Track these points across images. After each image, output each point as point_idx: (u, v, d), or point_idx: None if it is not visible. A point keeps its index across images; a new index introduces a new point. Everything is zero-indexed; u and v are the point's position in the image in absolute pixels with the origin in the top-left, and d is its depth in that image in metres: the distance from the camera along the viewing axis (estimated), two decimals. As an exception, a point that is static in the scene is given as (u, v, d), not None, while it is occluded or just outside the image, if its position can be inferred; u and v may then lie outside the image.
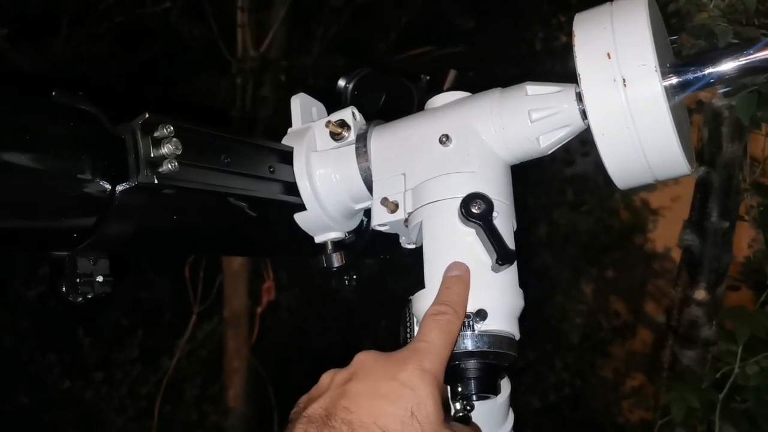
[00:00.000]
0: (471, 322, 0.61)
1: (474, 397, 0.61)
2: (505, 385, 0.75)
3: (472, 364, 0.61)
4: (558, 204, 3.18)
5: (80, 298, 0.60)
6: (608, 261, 3.68)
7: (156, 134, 0.58)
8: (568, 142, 0.70)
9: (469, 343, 0.61)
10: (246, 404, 2.57)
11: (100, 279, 0.60)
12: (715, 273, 1.36)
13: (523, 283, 0.65)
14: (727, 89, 1.01)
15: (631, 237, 3.71)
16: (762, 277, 1.31)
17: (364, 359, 0.55)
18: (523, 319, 0.65)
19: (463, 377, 0.61)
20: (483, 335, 0.61)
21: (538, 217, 3.12)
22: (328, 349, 2.63)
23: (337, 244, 0.79)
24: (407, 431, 0.52)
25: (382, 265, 0.99)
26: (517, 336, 0.63)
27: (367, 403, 0.52)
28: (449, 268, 0.62)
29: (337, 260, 0.77)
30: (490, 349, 0.61)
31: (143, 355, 2.57)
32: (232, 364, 2.55)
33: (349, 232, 0.81)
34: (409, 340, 0.70)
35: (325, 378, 0.57)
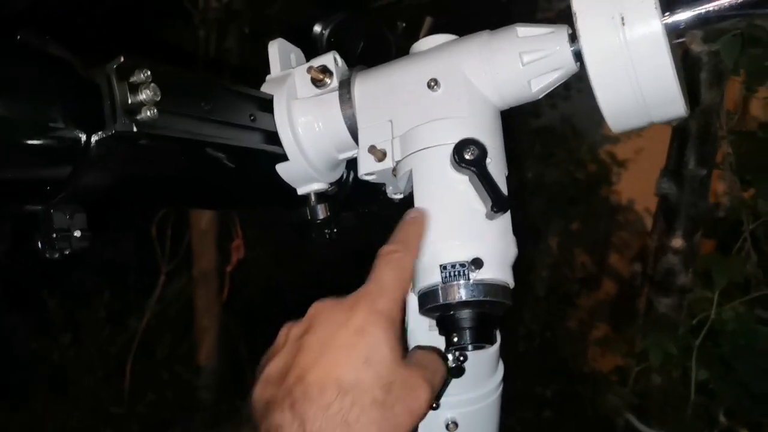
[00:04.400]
0: (466, 271, 0.59)
1: (470, 347, 0.60)
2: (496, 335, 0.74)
3: (467, 314, 0.60)
4: (526, 156, 3.18)
5: (57, 254, 0.57)
6: (574, 213, 3.71)
7: (132, 79, 0.55)
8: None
9: (464, 293, 0.59)
10: (218, 362, 2.55)
11: (77, 234, 0.57)
12: (691, 220, 1.37)
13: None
14: (707, 32, 1.00)
15: (597, 189, 3.74)
16: (735, 224, 1.32)
17: (319, 308, 0.54)
18: (516, 268, 0.64)
19: (458, 327, 0.60)
20: (478, 284, 0.59)
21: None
22: (300, 305, 2.61)
23: (320, 196, 0.77)
24: (362, 378, 0.51)
25: (360, 218, 0.98)
26: (512, 284, 0.62)
27: (322, 356, 0.51)
28: (406, 213, 0.62)
29: (321, 212, 0.75)
30: (485, 299, 0.59)
31: (111, 316, 2.53)
32: (203, 323, 2.52)
33: (331, 184, 0.79)
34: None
35: (282, 333, 0.56)
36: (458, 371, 0.65)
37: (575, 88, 3.00)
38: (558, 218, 3.58)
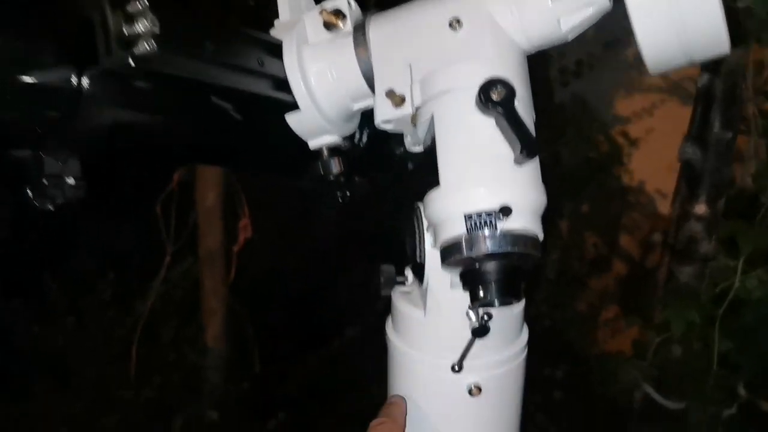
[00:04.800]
0: (493, 221, 0.54)
1: (496, 303, 0.56)
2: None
3: (494, 266, 0.55)
4: (540, 135, 3.11)
5: (49, 204, 0.53)
6: (585, 194, 3.65)
7: (128, 8, 0.50)
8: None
9: (490, 244, 0.54)
10: (225, 344, 2.51)
11: (71, 181, 0.53)
12: (715, 186, 1.32)
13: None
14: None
15: (609, 169, 3.68)
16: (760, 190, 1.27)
17: None
18: (546, 221, 0.59)
19: (484, 281, 0.55)
20: (506, 234, 0.54)
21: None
22: (309, 287, 2.57)
23: (333, 150, 0.72)
24: None
25: (373, 184, 0.93)
26: (541, 236, 0.57)
27: None
28: (387, 400, 0.67)
29: (335, 166, 0.70)
30: (514, 250, 0.54)
31: (115, 299, 2.49)
32: (210, 304, 2.48)
33: (344, 138, 0.74)
34: (418, 247, 0.64)
35: None
36: (482, 331, 0.61)
37: (587, 64, 2.95)
38: (568, 200, 3.52)
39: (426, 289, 0.65)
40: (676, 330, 1.24)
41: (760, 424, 1.30)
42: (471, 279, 0.56)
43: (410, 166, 0.90)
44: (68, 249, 2.43)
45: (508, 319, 0.66)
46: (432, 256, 0.62)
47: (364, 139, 0.82)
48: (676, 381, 1.32)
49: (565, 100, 3.11)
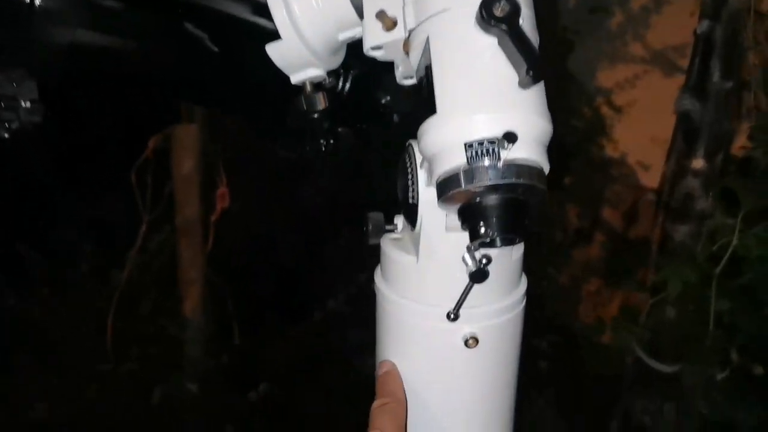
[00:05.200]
0: (496, 149, 0.50)
1: (498, 241, 0.51)
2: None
3: (496, 199, 0.51)
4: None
5: (5, 132, 0.47)
6: (570, 166, 3.63)
7: None
8: None
9: (493, 175, 0.50)
10: (204, 316, 2.45)
11: (26, 104, 0.47)
12: (714, 139, 1.27)
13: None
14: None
15: (594, 140, 3.65)
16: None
17: None
18: (551, 149, 0.55)
19: (485, 215, 0.51)
20: (510, 165, 0.50)
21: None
22: (290, 258, 2.52)
23: (317, 86, 0.67)
24: None
25: (359, 136, 0.88)
26: (547, 168, 0.53)
27: None
28: (378, 368, 0.64)
29: (320, 102, 0.65)
30: (519, 181, 0.50)
31: (92, 269, 2.42)
32: (188, 275, 2.42)
33: (329, 74, 0.69)
34: (411, 187, 0.59)
35: None
36: (481, 275, 0.56)
37: (572, 30, 2.90)
38: (554, 172, 3.47)
39: (419, 233, 0.60)
40: (672, 290, 1.20)
41: (754, 387, 1.27)
42: (471, 214, 0.52)
43: (396, 118, 0.85)
44: (43, 218, 2.36)
45: (508, 265, 0.61)
46: (426, 195, 0.58)
47: (347, 86, 0.77)
48: (670, 345, 1.29)
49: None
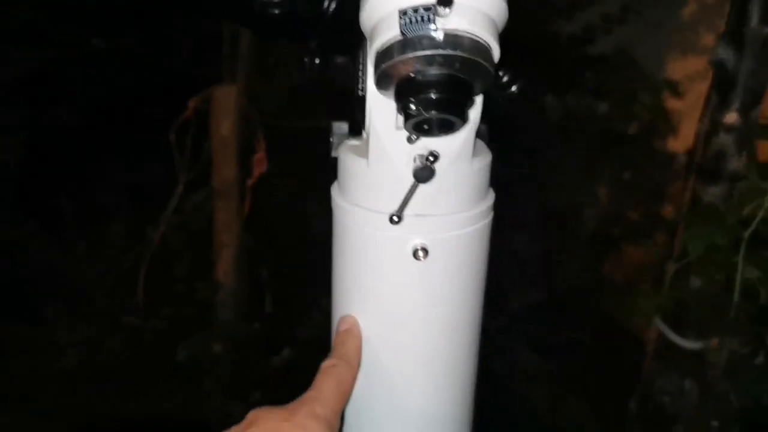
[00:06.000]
0: (431, 16, 0.44)
1: (434, 123, 0.46)
2: (483, 150, 0.60)
3: (431, 74, 0.45)
4: (574, 87, 2.96)
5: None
6: (624, 156, 3.49)
7: None
8: None
9: (427, 44, 0.45)
10: (236, 281, 2.45)
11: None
12: (750, 92, 1.17)
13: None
14: None
15: (654, 131, 3.50)
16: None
17: (258, 412, 0.55)
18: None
19: (418, 91, 0.46)
20: (448, 34, 0.45)
21: (550, 103, 2.91)
22: (325, 228, 2.50)
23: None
24: None
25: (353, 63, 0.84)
26: (497, 52, 0.47)
27: None
28: (339, 323, 0.61)
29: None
30: (455, 53, 0.44)
31: (128, 227, 2.46)
32: (222, 239, 2.42)
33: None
34: (361, 78, 0.55)
35: None
36: (426, 173, 0.51)
37: (633, 11, 2.77)
38: (606, 160, 3.35)
39: (369, 131, 0.55)
40: (693, 252, 1.10)
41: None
42: (404, 93, 0.47)
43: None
44: (84, 174, 2.40)
45: (468, 172, 0.56)
46: (374, 85, 0.53)
47: (333, 5, 0.73)
48: (693, 317, 1.20)
49: (607, 51, 2.94)
